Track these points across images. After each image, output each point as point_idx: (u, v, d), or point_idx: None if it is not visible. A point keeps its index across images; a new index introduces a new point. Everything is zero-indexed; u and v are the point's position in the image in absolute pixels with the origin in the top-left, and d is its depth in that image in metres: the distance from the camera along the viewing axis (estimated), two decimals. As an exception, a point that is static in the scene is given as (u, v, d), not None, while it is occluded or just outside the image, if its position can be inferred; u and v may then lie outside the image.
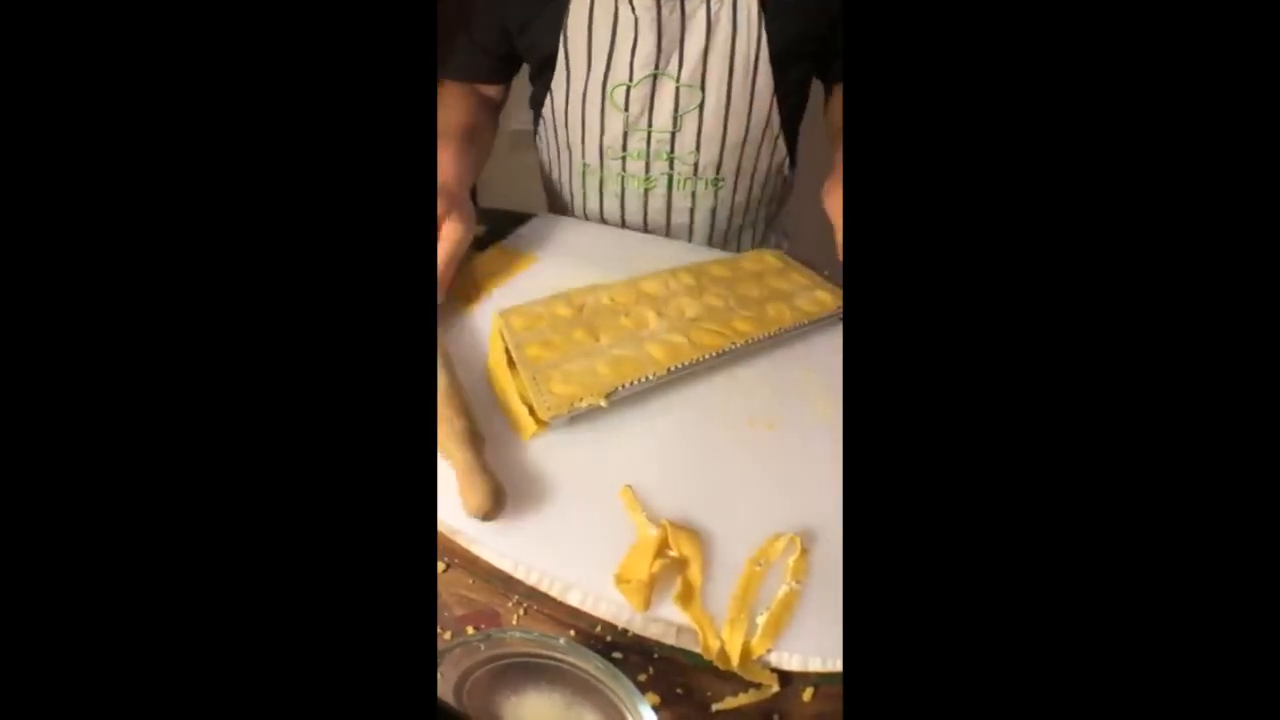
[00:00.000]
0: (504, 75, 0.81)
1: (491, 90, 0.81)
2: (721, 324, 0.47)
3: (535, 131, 0.82)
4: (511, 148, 2.29)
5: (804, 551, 0.34)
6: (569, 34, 0.69)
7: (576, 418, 0.39)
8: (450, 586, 0.32)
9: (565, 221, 0.71)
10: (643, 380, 0.41)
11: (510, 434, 0.39)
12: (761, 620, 0.31)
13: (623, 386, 0.40)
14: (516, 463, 0.37)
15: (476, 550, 0.33)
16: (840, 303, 0.52)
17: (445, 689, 0.26)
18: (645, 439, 0.39)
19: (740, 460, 0.39)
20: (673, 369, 0.42)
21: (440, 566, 0.33)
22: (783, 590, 0.32)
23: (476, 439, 0.36)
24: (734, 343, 0.46)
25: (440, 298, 0.49)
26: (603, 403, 0.39)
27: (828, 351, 0.49)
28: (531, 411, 0.39)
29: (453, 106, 0.75)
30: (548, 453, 0.37)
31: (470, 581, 0.32)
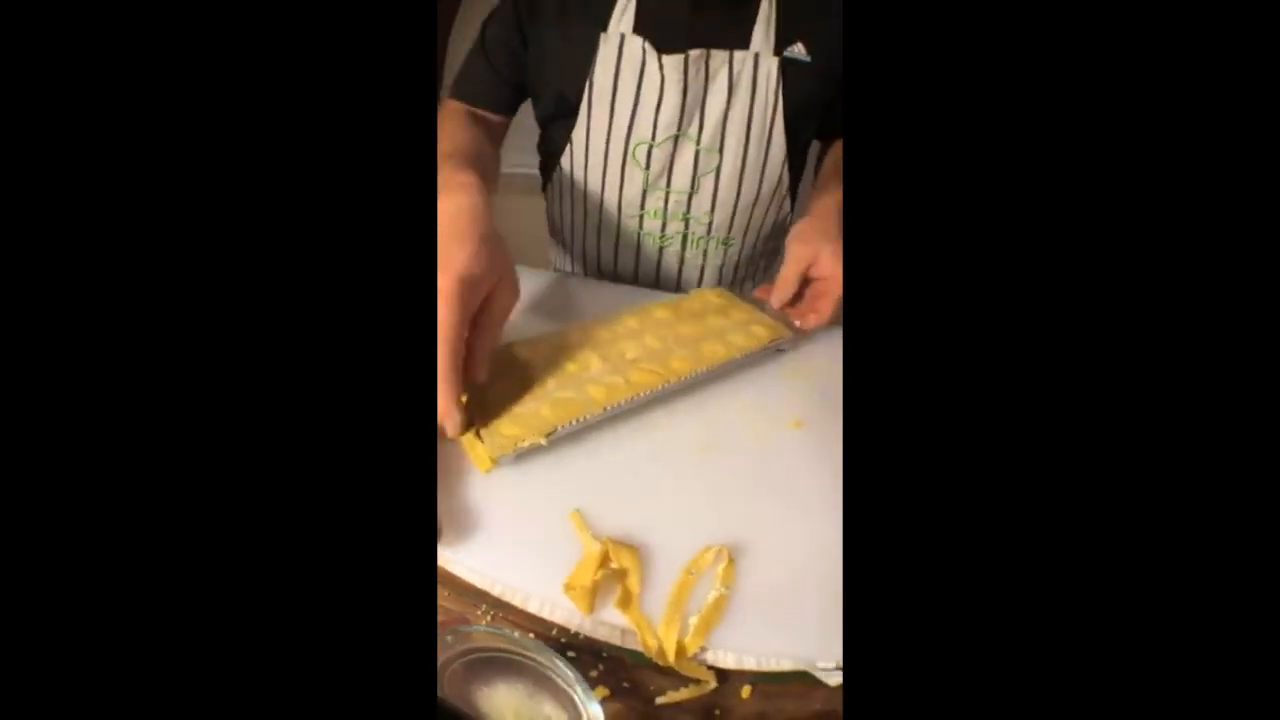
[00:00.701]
0: (513, 106, 0.79)
1: (496, 119, 0.78)
2: (659, 364, 0.52)
3: (547, 178, 0.82)
4: (504, 190, 2.36)
5: (731, 561, 0.40)
6: (595, 82, 0.69)
7: (528, 453, 0.44)
8: (427, 598, 0.37)
9: (530, 273, 0.75)
10: (581, 420, 0.46)
11: (473, 467, 0.44)
12: (693, 621, 0.37)
13: (562, 426, 0.45)
14: (479, 492, 0.42)
15: (450, 568, 0.38)
16: (774, 335, 0.58)
17: (426, 683, 0.32)
18: (590, 469, 0.45)
19: (675, 482, 0.45)
20: (608, 408, 0.48)
21: (417, 582, 0.38)
22: (712, 595, 0.38)
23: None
24: (667, 381, 0.51)
25: (482, 377, 0.46)
26: (543, 441, 0.44)
27: (760, 382, 0.55)
28: None
29: (458, 129, 0.71)
30: (506, 483, 0.43)
31: (445, 594, 0.37)
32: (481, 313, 0.46)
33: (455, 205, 0.48)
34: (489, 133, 0.76)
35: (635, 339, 0.55)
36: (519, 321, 0.59)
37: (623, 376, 0.50)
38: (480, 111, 0.77)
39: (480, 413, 0.46)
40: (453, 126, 0.71)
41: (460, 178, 0.52)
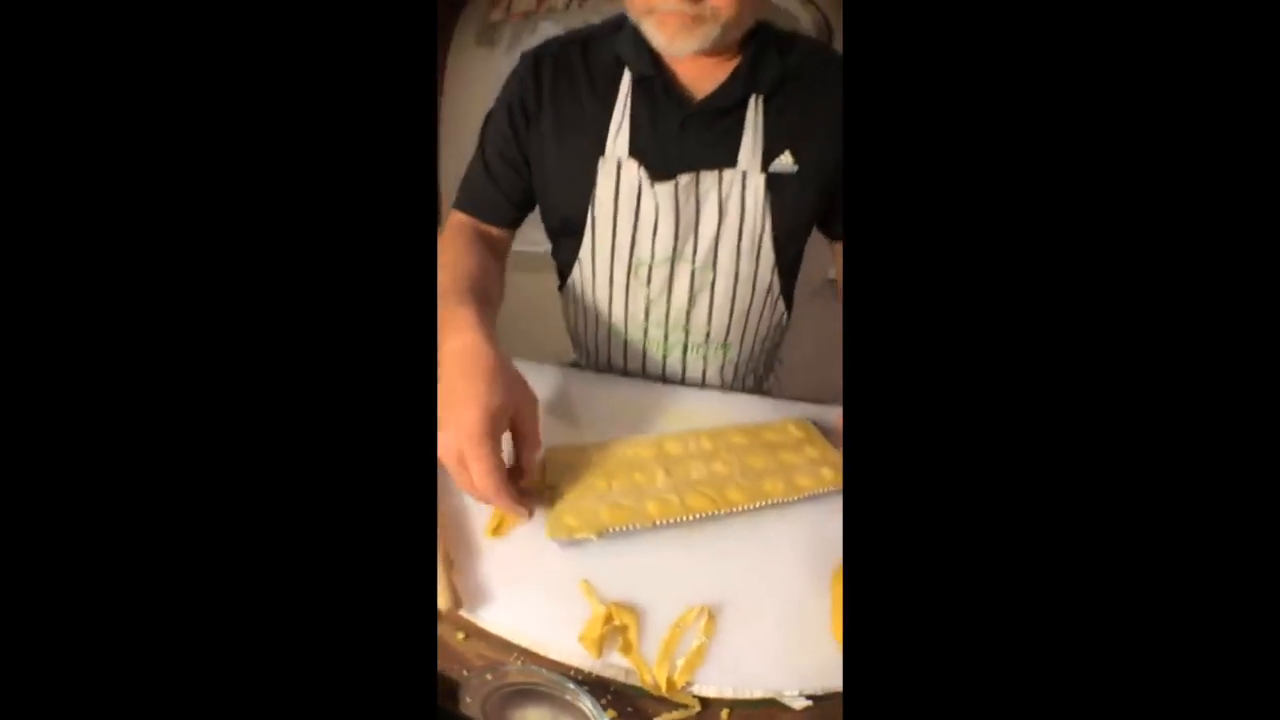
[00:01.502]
0: (518, 221, 0.83)
1: (501, 233, 0.82)
2: (717, 491, 0.58)
3: (562, 282, 0.88)
4: (516, 268, 2.36)
5: (711, 617, 0.49)
6: (597, 205, 0.75)
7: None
8: (471, 648, 0.46)
9: (589, 376, 0.85)
10: (630, 527, 0.54)
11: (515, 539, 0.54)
12: (680, 662, 0.46)
13: (613, 529, 0.54)
14: (512, 563, 0.52)
15: (487, 626, 0.47)
16: (840, 480, 0.60)
17: (475, 709, 0.40)
18: (598, 545, 0.54)
19: (668, 555, 0.54)
20: (657, 523, 0.55)
21: (460, 636, 0.47)
22: (696, 643, 0.47)
23: (446, 560, 0.50)
24: (719, 509, 0.57)
25: (527, 515, 0.53)
26: (594, 538, 0.53)
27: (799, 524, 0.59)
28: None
29: (462, 254, 0.74)
30: (532, 556, 0.53)
31: (483, 645, 0.47)
32: (515, 430, 0.53)
33: (461, 344, 0.55)
34: (493, 248, 0.80)
35: (705, 461, 0.61)
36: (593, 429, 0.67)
37: (679, 497, 0.57)
38: (485, 226, 0.82)
39: (549, 495, 0.56)
40: (456, 250, 0.75)
41: (462, 314, 0.58)
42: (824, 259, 0.89)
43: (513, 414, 0.53)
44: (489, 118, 0.80)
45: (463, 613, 0.48)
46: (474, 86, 2.55)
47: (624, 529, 0.54)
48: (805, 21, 2.20)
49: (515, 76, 0.77)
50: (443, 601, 0.47)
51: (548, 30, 2.42)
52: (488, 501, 0.50)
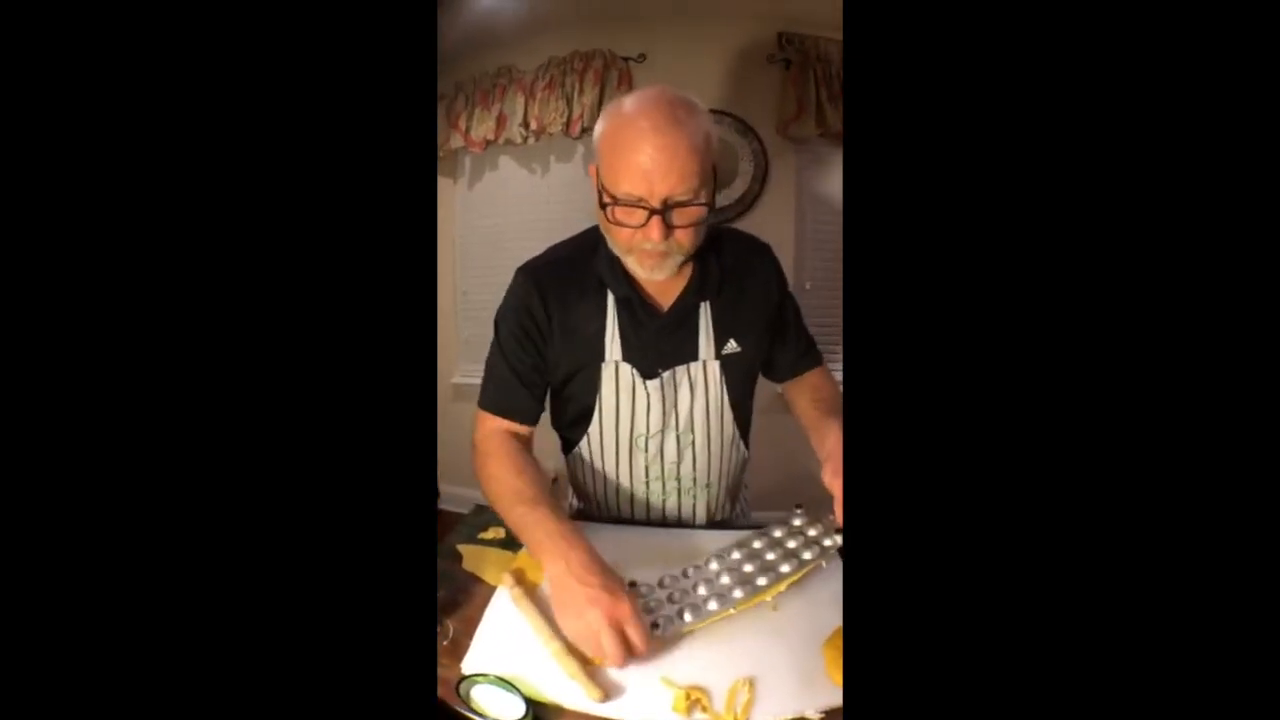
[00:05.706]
0: (540, 416, 1.02)
1: (529, 431, 1.00)
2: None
3: (567, 451, 1.08)
4: (454, 398, 2.51)
5: (752, 684, 0.76)
6: (603, 399, 0.96)
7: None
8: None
9: (623, 529, 1.04)
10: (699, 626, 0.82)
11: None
12: (740, 706, 0.73)
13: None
14: (620, 671, 0.78)
15: (610, 714, 0.74)
16: (800, 572, 0.86)
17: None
18: (679, 648, 0.81)
19: (719, 645, 0.81)
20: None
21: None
22: (744, 698, 0.74)
23: (589, 669, 0.78)
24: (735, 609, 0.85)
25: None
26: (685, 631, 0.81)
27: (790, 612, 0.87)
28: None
29: (515, 461, 0.91)
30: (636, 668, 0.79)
31: (613, 722, 0.73)
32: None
33: (578, 560, 0.78)
34: (526, 443, 0.98)
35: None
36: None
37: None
38: (518, 428, 0.99)
39: None
40: (506, 464, 0.92)
41: (559, 526, 0.82)
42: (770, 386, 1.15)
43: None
44: (499, 327, 0.99)
45: (596, 704, 0.75)
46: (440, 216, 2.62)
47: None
48: (743, 150, 2.51)
49: (519, 291, 0.97)
50: (594, 696, 0.74)
51: (507, 165, 2.66)
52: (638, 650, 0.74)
